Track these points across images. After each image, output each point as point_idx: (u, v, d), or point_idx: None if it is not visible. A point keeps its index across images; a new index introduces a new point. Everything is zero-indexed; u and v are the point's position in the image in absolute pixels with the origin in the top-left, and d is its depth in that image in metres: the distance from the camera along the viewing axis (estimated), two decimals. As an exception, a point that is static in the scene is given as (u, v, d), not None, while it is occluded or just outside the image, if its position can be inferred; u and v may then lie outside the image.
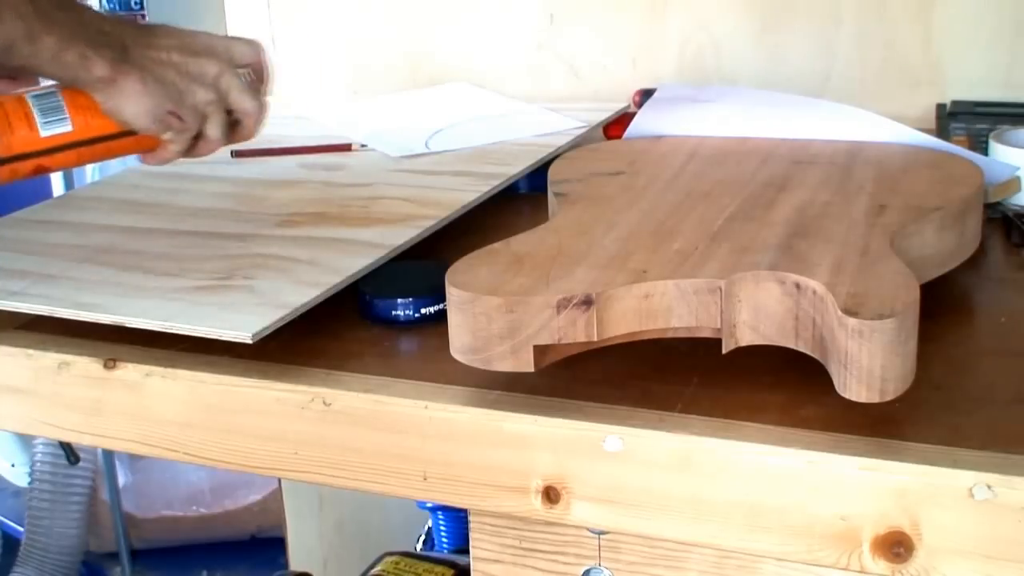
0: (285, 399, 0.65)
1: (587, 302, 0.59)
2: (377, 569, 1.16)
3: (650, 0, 1.23)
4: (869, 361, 0.54)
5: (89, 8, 0.81)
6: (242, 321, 0.67)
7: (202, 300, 0.71)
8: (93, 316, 0.70)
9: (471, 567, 0.69)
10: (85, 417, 0.70)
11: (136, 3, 2.21)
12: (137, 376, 0.68)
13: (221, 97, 0.78)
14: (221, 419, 0.67)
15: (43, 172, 0.77)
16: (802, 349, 0.60)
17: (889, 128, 0.87)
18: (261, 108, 0.81)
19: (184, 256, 0.79)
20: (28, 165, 0.75)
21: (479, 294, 0.59)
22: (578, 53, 1.28)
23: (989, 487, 0.52)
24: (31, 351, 0.71)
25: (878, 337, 0.54)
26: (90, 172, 2.09)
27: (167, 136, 0.77)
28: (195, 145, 0.80)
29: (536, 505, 0.61)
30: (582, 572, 0.66)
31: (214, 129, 0.79)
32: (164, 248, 0.81)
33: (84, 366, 0.69)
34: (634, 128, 0.95)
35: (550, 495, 0.60)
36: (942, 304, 0.69)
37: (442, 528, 1.34)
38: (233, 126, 0.80)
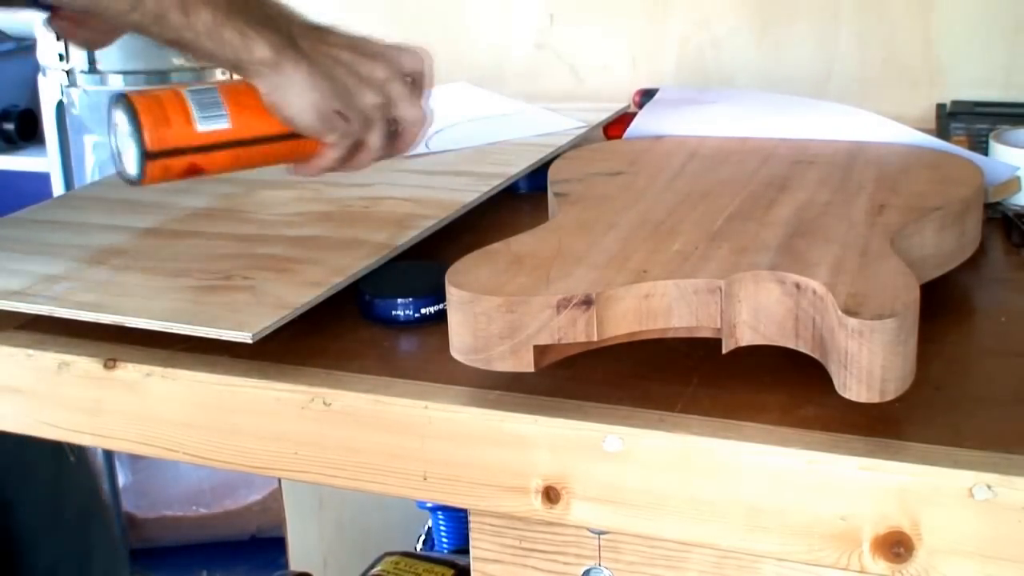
0: (285, 399, 0.65)
1: (587, 302, 0.59)
2: (377, 569, 1.16)
3: (650, 0, 1.23)
4: (869, 361, 0.54)
5: None
6: (242, 321, 0.67)
7: (202, 300, 0.71)
8: (93, 316, 0.70)
9: (471, 567, 0.69)
10: (85, 417, 0.70)
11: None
12: (137, 376, 0.68)
13: (387, 104, 0.74)
14: (221, 419, 0.67)
15: (197, 173, 0.73)
16: (802, 349, 0.60)
17: (889, 128, 0.87)
18: (424, 119, 0.77)
19: (184, 256, 0.79)
20: (181, 162, 0.71)
21: (479, 294, 0.59)
22: (578, 53, 1.28)
23: (989, 487, 0.52)
24: (31, 351, 0.71)
25: (878, 337, 0.54)
26: (90, 172, 2.09)
27: (330, 139, 0.73)
28: (353, 154, 0.75)
29: (536, 505, 0.61)
30: (582, 572, 0.66)
31: (376, 137, 0.75)
32: (164, 248, 0.81)
33: (84, 366, 0.69)
34: (634, 128, 0.94)
35: (550, 495, 0.60)
36: (942, 304, 0.69)
37: (442, 528, 1.34)
38: (391, 136, 0.77)
